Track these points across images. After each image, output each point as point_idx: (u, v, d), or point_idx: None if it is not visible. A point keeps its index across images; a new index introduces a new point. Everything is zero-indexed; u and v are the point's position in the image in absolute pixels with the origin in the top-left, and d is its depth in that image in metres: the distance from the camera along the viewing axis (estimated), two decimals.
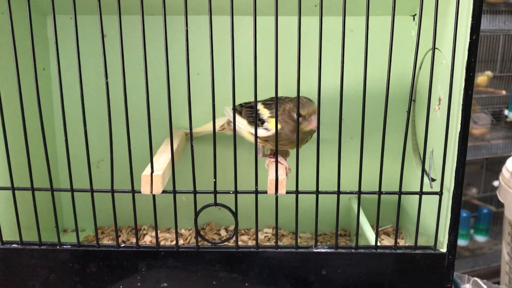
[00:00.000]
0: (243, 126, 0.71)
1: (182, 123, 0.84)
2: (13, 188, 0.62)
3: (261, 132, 0.68)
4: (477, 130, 2.12)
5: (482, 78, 2.09)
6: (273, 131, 0.67)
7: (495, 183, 2.22)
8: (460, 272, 2.19)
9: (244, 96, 0.75)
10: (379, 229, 0.86)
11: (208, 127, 0.80)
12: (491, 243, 2.25)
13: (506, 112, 2.19)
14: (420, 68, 0.75)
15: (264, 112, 0.69)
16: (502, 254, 1.18)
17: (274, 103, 0.68)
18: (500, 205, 2.25)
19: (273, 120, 0.67)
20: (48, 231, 0.79)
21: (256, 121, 0.64)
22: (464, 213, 2.12)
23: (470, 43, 0.56)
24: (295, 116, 0.66)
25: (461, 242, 2.16)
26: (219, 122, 0.78)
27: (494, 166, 2.23)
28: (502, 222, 2.25)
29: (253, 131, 0.66)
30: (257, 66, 0.57)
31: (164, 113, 0.76)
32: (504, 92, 2.16)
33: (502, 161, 2.16)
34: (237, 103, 0.75)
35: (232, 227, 0.88)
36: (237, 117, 0.72)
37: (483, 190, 2.25)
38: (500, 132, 2.20)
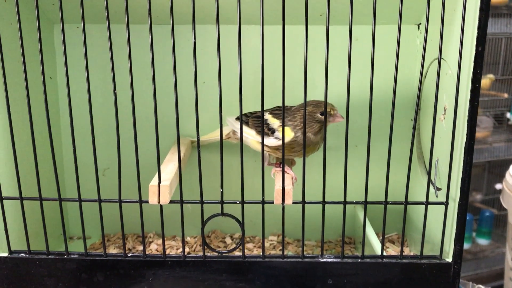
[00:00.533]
0: (251, 137, 0.71)
1: (188, 131, 0.84)
2: (21, 198, 0.62)
3: (273, 142, 0.68)
4: (479, 133, 2.12)
5: (484, 81, 2.09)
6: (286, 140, 0.67)
7: (497, 186, 2.22)
8: (463, 275, 2.18)
9: (251, 103, 0.76)
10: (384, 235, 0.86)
11: (214, 136, 0.80)
12: (493, 246, 2.25)
13: (508, 115, 2.20)
14: (425, 77, 0.76)
15: (273, 122, 0.70)
16: (506, 260, 1.18)
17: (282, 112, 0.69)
18: (503, 208, 2.26)
19: (287, 129, 0.68)
20: (54, 237, 0.80)
21: (263, 130, 0.64)
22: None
23: (476, 54, 0.57)
24: (319, 116, 0.67)
25: (463, 245, 2.16)
26: (225, 131, 0.78)
27: (496, 169, 2.23)
28: (504, 225, 2.25)
29: (263, 141, 0.67)
30: (263, 74, 0.58)
31: (170, 120, 0.76)
32: (506, 95, 2.17)
33: (504, 163, 2.17)
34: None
35: (237, 235, 0.89)
36: (244, 127, 0.73)
37: (485, 193, 2.25)
38: (502, 135, 2.21)
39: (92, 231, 0.87)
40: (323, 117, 0.67)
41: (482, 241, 2.20)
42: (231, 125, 0.76)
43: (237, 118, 0.76)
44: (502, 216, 2.22)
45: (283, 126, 0.60)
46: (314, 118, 0.67)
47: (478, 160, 2.13)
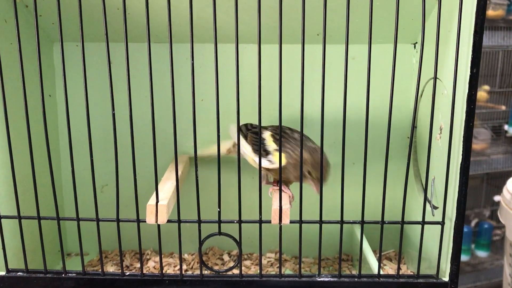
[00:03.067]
0: (247, 152, 0.71)
1: (186, 148, 0.84)
2: (19, 217, 0.63)
3: (265, 163, 0.68)
4: (477, 145, 2.13)
5: (481, 94, 2.10)
6: (277, 164, 0.66)
7: (496, 198, 2.22)
8: (461, 287, 2.18)
9: (250, 120, 0.76)
10: (381, 254, 0.86)
11: (214, 151, 0.79)
12: (492, 258, 2.25)
13: (506, 127, 2.21)
14: (421, 96, 0.76)
15: (270, 144, 0.69)
16: (504, 275, 1.18)
17: (283, 136, 0.68)
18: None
19: (278, 154, 0.67)
20: (52, 254, 0.80)
21: (260, 150, 0.64)
22: (464, 228, 2.12)
23: (470, 76, 0.57)
24: (307, 175, 0.66)
25: (462, 257, 2.15)
26: (225, 146, 0.78)
27: (495, 180, 2.23)
28: (503, 237, 2.25)
29: (257, 159, 0.67)
30: (261, 92, 0.58)
31: (168, 138, 0.76)
32: (503, 107, 2.18)
33: (502, 175, 2.17)
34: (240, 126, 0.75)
35: (235, 252, 0.89)
36: (242, 141, 0.72)
37: (483, 205, 2.25)
38: (500, 147, 2.21)
39: (90, 248, 0.87)
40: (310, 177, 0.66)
41: (481, 253, 2.20)
42: (233, 133, 0.74)
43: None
44: (501, 228, 2.22)
45: (280, 151, 0.61)
46: (304, 174, 0.66)
47: (476, 172, 2.13)
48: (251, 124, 0.75)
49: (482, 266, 2.22)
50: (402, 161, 0.84)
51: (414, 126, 0.62)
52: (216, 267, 0.84)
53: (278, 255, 0.87)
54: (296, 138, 0.68)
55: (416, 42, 0.80)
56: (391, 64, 0.76)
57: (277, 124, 0.73)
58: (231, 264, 0.85)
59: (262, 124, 0.74)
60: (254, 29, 0.73)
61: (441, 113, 0.67)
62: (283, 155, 0.67)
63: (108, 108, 0.77)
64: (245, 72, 0.80)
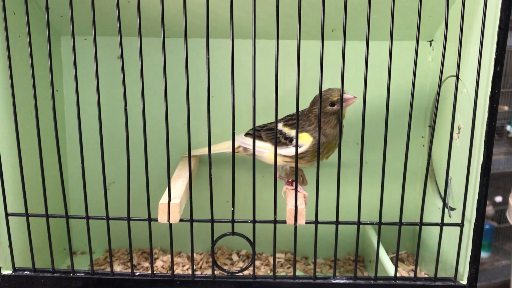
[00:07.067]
0: (268, 150, 0.69)
1: (193, 146, 0.82)
2: (27, 215, 0.61)
3: (292, 151, 0.66)
4: None
5: None
6: (307, 146, 0.65)
7: (497, 199, 2.21)
8: None
9: (258, 117, 0.74)
10: (394, 255, 0.84)
11: (222, 148, 0.77)
12: (493, 259, 2.24)
13: (508, 127, 2.20)
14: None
15: (289, 131, 0.68)
16: None
17: (292, 122, 0.67)
18: (503, 221, 2.25)
19: (306, 135, 0.66)
20: (57, 252, 0.78)
21: (276, 144, 0.63)
22: None
23: (494, 74, 0.56)
24: (330, 108, 0.65)
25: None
26: (229, 145, 0.76)
27: (497, 181, 2.23)
28: (504, 238, 2.24)
29: (282, 153, 0.65)
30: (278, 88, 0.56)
31: (176, 135, 0.75)
32: (506, 108, 2.17)
33: (504, 176, 2.16)
34: (248, 128, 0.74)
35: (244, 252, 0.87)
36: (257, 141, 0.71)
37: None
38: (502, 148, 2.21)
39: (96, 246, 0.85)
40: (334, 107, 0.65)
41: (482, 254, 2.19)
42: (241, 142, 0.73)
43: (246, 134, 0.74)
44: (502, 229, 2.21)
45: (296, 138, 0.59)
46: (327, 112, 0.65)
47: None
48: (260, 126, 0.73)
49: (482, 267, 2.22)
50: (414, 161, 0.83)
51: (434, 126, 0.60)
52: (225, 267, 0.82)
53: (287, 255, 0.86)
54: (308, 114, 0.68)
55: (432, 40, 0.78)
56: (405, 62, 0.75)
57: (285, 116, 0.71)
58: (241, 264, 0.83)
59: (263, 122, 0.72)
60: (263, 24, 0.72)
61: (459, 112, 0.65)
62: (307, 134, 0.66)
63: (115, 104, 0.75)
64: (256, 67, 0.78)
